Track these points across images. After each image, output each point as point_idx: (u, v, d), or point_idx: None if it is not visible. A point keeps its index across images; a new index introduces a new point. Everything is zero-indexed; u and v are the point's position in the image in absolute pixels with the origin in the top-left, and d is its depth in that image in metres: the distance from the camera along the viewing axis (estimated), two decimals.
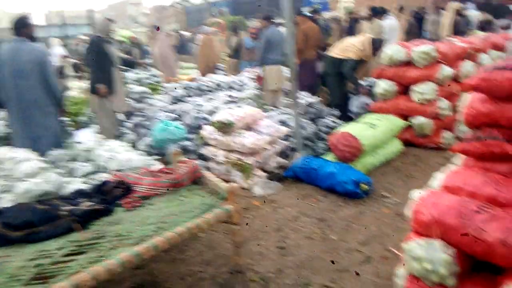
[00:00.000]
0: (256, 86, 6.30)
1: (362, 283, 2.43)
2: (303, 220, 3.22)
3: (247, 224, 3.17)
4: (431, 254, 1.89)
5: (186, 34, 14.27)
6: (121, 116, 5.32)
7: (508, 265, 1.73)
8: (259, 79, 5.98)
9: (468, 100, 2.36)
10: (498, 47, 5.82)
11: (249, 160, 3.86)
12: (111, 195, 2.58)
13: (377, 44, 5.23)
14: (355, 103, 5.47)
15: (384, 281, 2.40)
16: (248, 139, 3.87)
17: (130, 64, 7.80)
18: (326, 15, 13.12)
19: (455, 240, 1.86)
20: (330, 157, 4.11)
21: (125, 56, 8.37)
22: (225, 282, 2.50)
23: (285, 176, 4.06)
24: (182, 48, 12.08)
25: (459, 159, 2.59)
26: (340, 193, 3.57)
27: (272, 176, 4.02)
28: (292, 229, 3.10)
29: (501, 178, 2.06)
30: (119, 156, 3.30)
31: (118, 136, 4.84)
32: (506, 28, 7.82)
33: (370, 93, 5.35)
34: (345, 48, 5.31)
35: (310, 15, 6.82)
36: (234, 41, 8.43)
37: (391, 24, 8.13)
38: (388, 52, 4.82)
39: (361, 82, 5.55)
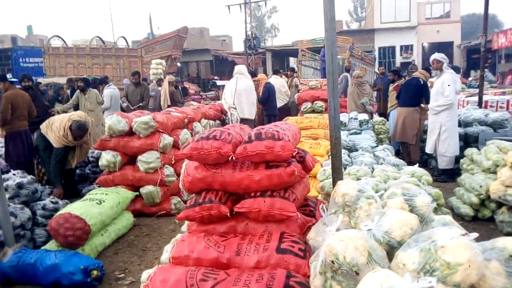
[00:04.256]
0: None
1: None
2: None
3: None
4: None
5: None
6: None
7: None
8: None
9: (184, 168, 2.47)
10: (208, 116, 6.73)
11: None
12: None
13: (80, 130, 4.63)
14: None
15: None
16: None
17: None
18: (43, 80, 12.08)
19: None
20: (53, 245, 3.49)
21: None
22: None
23: None
24: None
25: (186, 225, 2.65)
26: (68, 287, 3.03)
27: None
28: None
29: (219, 239, 2.18)
30: None
31: None
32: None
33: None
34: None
35: (15, 80, 5.99)
36: None
37: (112, 92, 8.16)
38: (107, 123, 4.69)
39: None
